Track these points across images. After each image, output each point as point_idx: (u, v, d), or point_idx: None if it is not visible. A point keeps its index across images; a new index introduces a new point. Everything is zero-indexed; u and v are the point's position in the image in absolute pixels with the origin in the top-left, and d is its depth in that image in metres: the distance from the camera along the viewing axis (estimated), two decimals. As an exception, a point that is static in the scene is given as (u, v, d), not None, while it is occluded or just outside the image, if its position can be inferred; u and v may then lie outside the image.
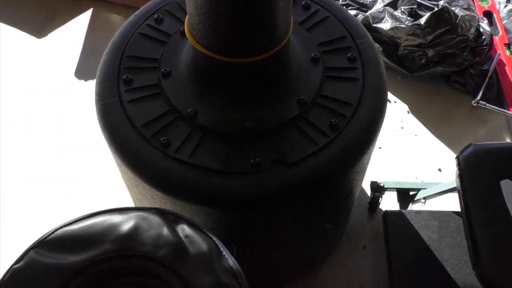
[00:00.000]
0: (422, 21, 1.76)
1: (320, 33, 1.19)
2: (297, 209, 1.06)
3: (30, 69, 2.06)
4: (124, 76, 1.11)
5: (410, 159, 1.83)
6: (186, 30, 1.02)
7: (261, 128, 1.03)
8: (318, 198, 1.05)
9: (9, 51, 2.11)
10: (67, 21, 2.14)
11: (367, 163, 1.23)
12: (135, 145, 1.02)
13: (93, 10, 2.17)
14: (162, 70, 1.11)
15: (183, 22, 1.18)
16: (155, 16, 1.22)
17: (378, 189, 1.58)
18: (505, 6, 2.25)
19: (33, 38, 2.15)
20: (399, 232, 1.52)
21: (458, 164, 1.23)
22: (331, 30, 1.20)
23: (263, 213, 1.03)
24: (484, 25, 1.99)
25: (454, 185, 1.30)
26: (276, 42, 0.99)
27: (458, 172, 1.23)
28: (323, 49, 1.16)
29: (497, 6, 2.26)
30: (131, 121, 1.04)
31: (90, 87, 1.96)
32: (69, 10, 2.16)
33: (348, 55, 1.15)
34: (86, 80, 2.01)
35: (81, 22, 2.14)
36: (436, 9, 1.78)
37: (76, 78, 2.02)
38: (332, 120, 1.05)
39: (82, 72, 2.03)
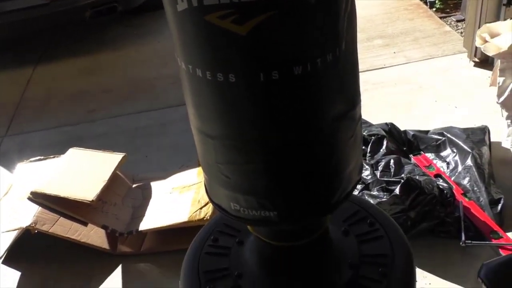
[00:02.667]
0: (397, 191, 2.20)
1: (338, 212, 1.55)
2: None
3: None
4: (207, 287, 1.37)
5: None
6: (251, 229, 1.35)
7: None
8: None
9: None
10: (103, 282, 2.38)
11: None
12: None
13: (122, 266, 2.44)
14: (235, 273, 1.39)
15: (234, 236, 1.51)
16: (211, 237, 1.54)
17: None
18: (447, 168, 2.78)
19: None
20: None
21: (483, 282, 1.51)
22: (346, 209, 1.56)
23: None
24: (441, 183, 2.45)
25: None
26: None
27: (485, 288, 1.50)
28: (347, 223, 1.51)
29: (441, 169, 2.78)
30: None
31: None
32: (102, 270, 2.42)
33: (368, 221, 1.50)
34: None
35: (115, 278, 2.39)
36: (402, 181, 2.24)
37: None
38: (380, 270, 1.34)
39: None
